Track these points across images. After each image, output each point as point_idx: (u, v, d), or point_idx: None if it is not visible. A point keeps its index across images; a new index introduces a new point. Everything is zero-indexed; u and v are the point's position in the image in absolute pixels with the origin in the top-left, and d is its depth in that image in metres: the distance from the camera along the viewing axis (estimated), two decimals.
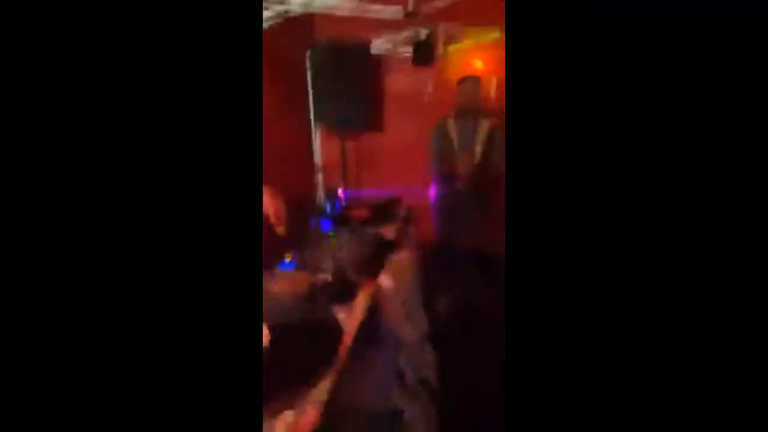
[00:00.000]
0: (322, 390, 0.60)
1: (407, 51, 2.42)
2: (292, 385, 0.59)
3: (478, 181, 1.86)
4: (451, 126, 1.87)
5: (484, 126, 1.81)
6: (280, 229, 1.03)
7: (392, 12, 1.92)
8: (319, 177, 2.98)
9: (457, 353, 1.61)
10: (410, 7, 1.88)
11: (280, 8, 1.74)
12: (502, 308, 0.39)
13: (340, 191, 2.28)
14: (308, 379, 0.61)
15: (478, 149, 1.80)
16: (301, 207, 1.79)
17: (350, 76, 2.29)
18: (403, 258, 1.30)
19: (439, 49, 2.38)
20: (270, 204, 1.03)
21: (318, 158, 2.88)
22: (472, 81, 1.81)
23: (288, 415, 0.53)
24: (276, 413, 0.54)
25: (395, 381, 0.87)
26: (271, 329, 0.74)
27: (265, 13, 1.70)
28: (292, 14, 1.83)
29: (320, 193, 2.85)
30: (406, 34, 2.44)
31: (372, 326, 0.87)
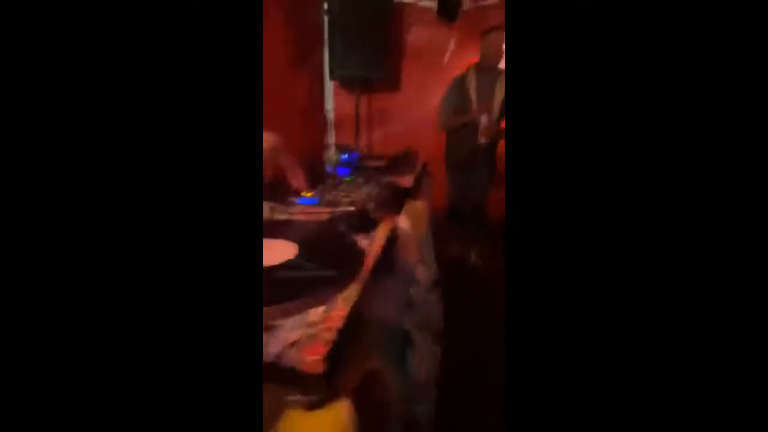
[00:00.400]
0: (350, 294, 0.65)
1: (431, 3, 2.32)
2: (322, 288, 0.64)
3: (490, 138, 1.84)
4: (471, 79, 1.82)
5: (504, 82, 1.76)
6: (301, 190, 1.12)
7: None
8: (331, 133, 2.95)
9: (461, 304, 1.68)
10: None
11: None
12: (503, 268, 0.40)
13: (353, 147, 2.27)
14: (337, 285, 0.66)
15: (496, 105, 1.77)
16: (313, 161, 1.80)
17: (369, 28, 2.22)
18: (419, 205, 1.33)
19: (465, 4, 2.29)
20: (291, 173, 1.10)
21: (330, 114, 2.85)
22: (497, 32, 1.74)
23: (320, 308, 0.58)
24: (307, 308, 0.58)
25: (408, 308, 0.92)
26: (299, 246, 0.78)
27: None
28: None
29: (331, 150, 2.84)
30: None
31: (390, 256, 0.91)
